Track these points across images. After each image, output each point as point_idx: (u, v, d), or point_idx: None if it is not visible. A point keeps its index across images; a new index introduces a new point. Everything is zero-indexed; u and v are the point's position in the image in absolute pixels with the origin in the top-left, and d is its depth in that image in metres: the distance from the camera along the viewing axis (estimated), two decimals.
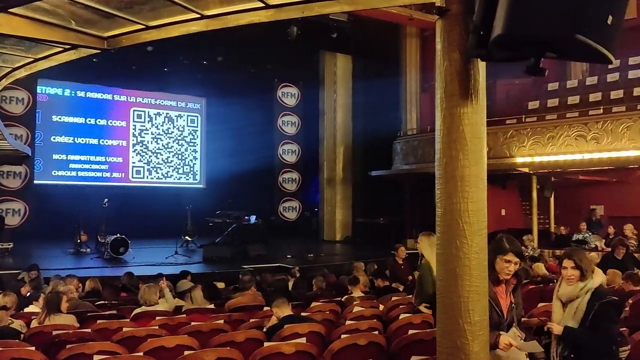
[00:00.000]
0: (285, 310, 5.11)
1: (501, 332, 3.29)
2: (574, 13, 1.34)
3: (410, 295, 6.51)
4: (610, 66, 15.95)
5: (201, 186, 21.86)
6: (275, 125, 22.11)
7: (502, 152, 14.44)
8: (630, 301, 6.54)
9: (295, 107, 22.61)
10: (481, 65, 1.66)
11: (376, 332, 4.68)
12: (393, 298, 6.82)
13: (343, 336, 4.42)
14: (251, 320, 5.75)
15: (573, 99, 14.95)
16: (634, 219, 13.91)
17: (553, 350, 3.68)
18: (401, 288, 8.59)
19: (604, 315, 3.48)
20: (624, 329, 4.48)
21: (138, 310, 6.25)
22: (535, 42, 1.47)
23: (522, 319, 3.65)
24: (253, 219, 16.57)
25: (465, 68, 1.64)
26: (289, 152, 22.33)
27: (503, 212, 17.69)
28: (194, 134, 22.08)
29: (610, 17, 1.38)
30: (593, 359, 3.55)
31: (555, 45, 1.45)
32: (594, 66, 16.58)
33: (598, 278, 3.68)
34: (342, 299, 7.20)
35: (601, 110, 13.47)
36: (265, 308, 6.17)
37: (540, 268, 9.90)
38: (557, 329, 3.57)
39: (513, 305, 3.47)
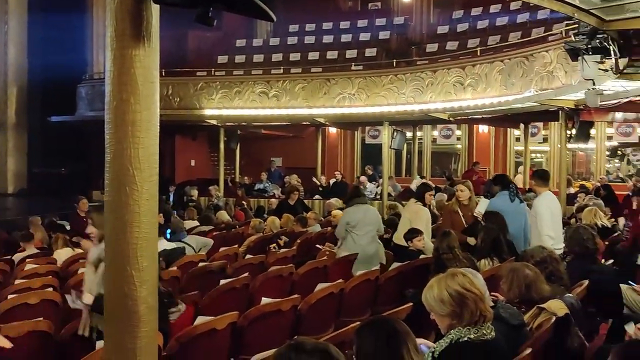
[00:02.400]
0: None
1: None
2: None
3: None
4: (290, 30, 17.46)
5: None
6: None
7: (192, 104, 14.64)
8: (298, 241, 7.50)
9: None
10: (154, 8, 1.61)
11: (51, 289, 4.38)
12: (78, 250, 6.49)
13: (10, 296, 4.02)
14: None
15: (258, 57, 15.95)
16: (306, 170, 15.78)
17: (82, 330, 3.28)
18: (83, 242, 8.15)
19: None
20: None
21: None
22: None
23: None
24: None
25: (137, 8, 1.57)
26: None
27: (193, 163, 18.11)
28: None
29: None
30: None
31: None
32: (277, 28, 17.92)
33: None
34: (13, 257, 6.55)
35: (281, 70, 14.70)
36: None
37: (223, 215, 10.56)
38: (87, 297, 3.23)
39: None
